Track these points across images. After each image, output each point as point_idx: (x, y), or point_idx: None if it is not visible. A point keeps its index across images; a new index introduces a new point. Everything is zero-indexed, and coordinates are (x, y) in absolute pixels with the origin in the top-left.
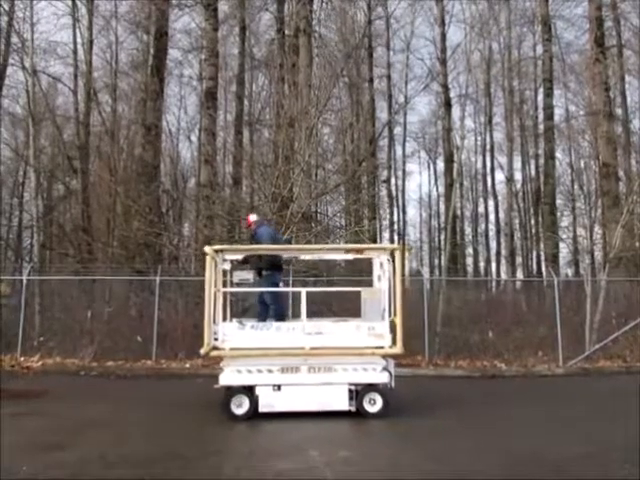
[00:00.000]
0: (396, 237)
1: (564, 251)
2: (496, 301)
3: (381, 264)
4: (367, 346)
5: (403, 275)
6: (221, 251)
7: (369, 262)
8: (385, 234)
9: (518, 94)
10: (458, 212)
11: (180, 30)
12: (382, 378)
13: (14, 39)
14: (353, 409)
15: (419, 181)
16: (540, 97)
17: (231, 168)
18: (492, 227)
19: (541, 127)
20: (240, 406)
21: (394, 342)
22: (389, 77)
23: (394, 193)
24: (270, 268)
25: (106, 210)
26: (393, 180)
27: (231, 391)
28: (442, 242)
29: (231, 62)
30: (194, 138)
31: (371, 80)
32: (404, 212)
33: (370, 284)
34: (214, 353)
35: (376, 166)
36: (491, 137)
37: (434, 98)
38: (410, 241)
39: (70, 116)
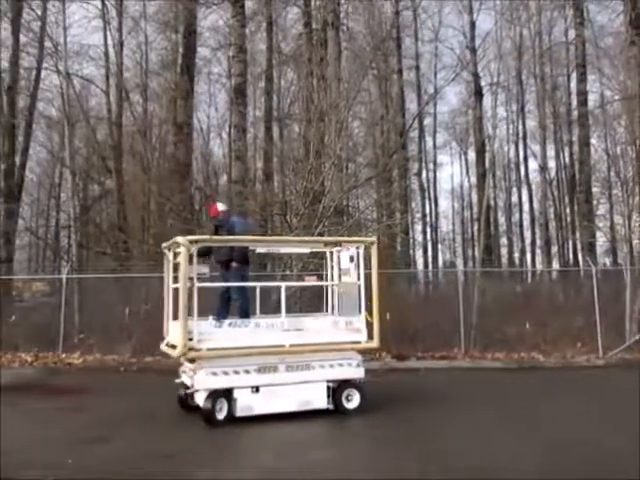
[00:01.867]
0: (428, 229)
1: (601, 240)
2: (532, 292)
3: (351, 257)
4: (345, 341)
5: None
6: (196, 242)
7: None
8: (417, 226)
9: (550, 80)
10: (491, 202)
11: (208, 28)
12: (359, 373)
13: (47, 43)
14: (331, 407)
15: (451, 172)
16: (573, 83)
17: (262, 164)
18: (526, 217)
19: (575, 113)
20: (220, 411)
21: (370, 336)
22: (418, 68)
23: (425, 185)
24: (240, 261)
25: (141, 208)
26: (424, 172)
27: (209, 395)
28: (475, 233)
29: (259, 58)
30: (225, 135)
31: (400, 71)
32: (436, 204)
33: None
34: (191, 355)
35: (407, 158)
36: (523, 125)
37: (464, 87)
38: (443, 233)
39: (103, 117)
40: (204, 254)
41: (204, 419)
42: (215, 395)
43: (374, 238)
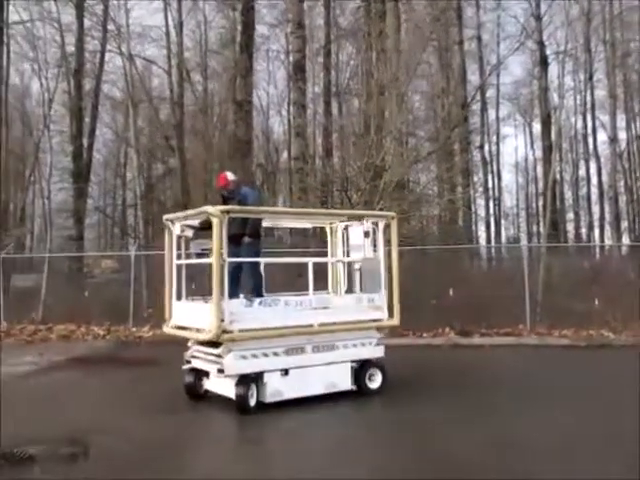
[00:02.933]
0: (491, 204)
1: None
2: (601, 268)
3: (366, 233)
4: (368, 319)
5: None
6: (228, 212)
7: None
8: (480, 201)
9: (621, 47)
10: (557, 176)
11: (266, 5)
12: (380, 352)
13: (110, 26)
14: (355, 388)
15: (515, 145)
16: None
17: (322, 140)
18: (594, 191)
19: None
20: (251, 397)
21: (391, 314)
22: (479, 38)
23: (488, 158)
24: (253, 235)
25: (203, 185)
26: (487, 145)
27: (240, 380)
28: (540, 208)
29: (317, 33)
30: (284, 112)
31: (461, 42)
32: (499, 178)
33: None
34: (225, 337)
35: (469, 131)
36: (592, 95)
37: (529, 57)
38: (506, 208)
39: (165, 97)
40: (205, 228)
41: (237, 407)
42: (246, 380)
43: (394, 213)
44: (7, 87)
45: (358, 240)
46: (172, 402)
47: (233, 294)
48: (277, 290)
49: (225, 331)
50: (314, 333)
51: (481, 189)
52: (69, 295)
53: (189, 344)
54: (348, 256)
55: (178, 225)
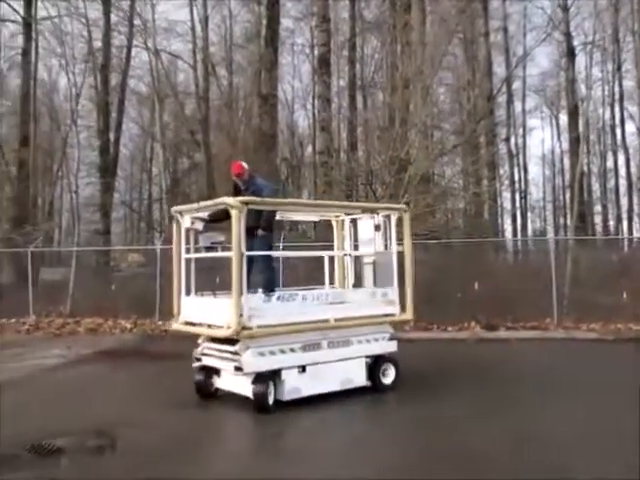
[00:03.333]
0: (517, 197)
1: None
2: (629, 261)
3: (377, 226)
4: (381, 314)
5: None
6: (247, 204)
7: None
8: (506, 194)
9: None
10: (585, 168)
11: None
12: (392, 347)
13: (136, 21)
14: (369, 383)
15: (541, 137)
16: None
17: (346, 133)
18: (623, 182)
19: None
20: (270, 395)
21: (403, 308)
22: (506, 30)
23: (514, 151)
24: (267, 228)
25: (228, 180)
26: (513, 137)
27: (257, 378)
28: (567, 200)
29: (342, 27)
30: (309, 106)
31: (487, 34)
32: (525, 170)
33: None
34: (245, 334)
35: (495, 124)
36: (620, 86)
37: (555, 48)
38: (532, 200)
39: (190, 92)
40: (221, 219)
41: (255, 405)
42: (264, 378)
43: (405, 206)
44: (35, 82)
45: (368, 233)
46: (195, 397)
47: (248, 288)
48: (300, 283)
49: (244, 327)
50: (330, 328)
51: (507, 182)
52: (96, 288)
53: (199, 341)
54: (356, 250)
55: (187, 217)
